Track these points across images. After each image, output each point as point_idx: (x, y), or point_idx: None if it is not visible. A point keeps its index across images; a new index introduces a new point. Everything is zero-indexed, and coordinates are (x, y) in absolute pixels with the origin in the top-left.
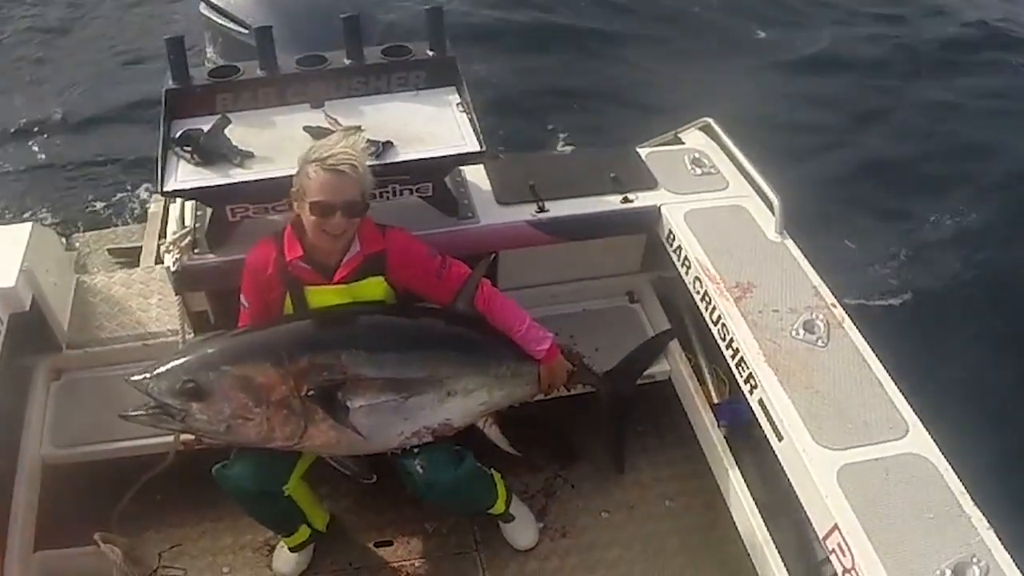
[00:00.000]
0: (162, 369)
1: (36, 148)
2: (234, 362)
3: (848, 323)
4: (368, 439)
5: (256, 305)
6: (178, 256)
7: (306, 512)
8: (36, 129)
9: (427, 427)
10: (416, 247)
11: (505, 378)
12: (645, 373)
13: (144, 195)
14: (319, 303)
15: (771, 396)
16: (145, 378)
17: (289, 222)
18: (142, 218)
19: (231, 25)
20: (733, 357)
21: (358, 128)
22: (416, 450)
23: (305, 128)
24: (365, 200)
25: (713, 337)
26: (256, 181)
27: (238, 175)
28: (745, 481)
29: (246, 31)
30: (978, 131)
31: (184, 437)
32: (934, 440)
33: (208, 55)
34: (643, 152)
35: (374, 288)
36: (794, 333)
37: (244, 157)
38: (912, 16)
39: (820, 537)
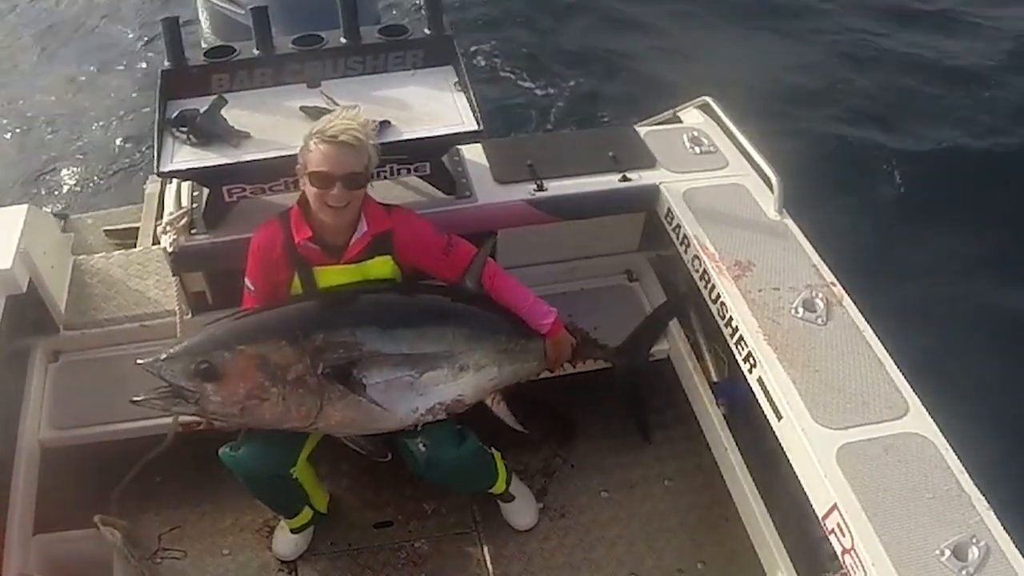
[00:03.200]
0: (174, 351)
1: (32, 130)
2: (249, 341)
3: (848, 302)
4: (384, 416)
5: (263, 287)
6: (175, 237)
7: (309, 493)
8: (31, 110)
9: (441, 403)
10: (423, 226)
11: (515, 353)
12: (652, 347)
13: (141, 176)
14: (328, 283)
15: (770, 375)
16: (157, 360)
17: (295, 203)
18: (139, 199)
19: (227, 5)
20: (732, 336)
21: (355, 107)
22: (418, 429)
23: (302, 108)
24: (367, 172)
25: (712, 316)
26: (253, 161)
27: (234, 155)
28: (744, 460)
29: (242, 11)
30: (986, 107)
31: (183, 418)
32: (933, 420)
33: (204, 35)
34: (642, 131)
35: (382, 267)
36: (793, 312)
37: (240, 137)
38: None
39: (819, 516)
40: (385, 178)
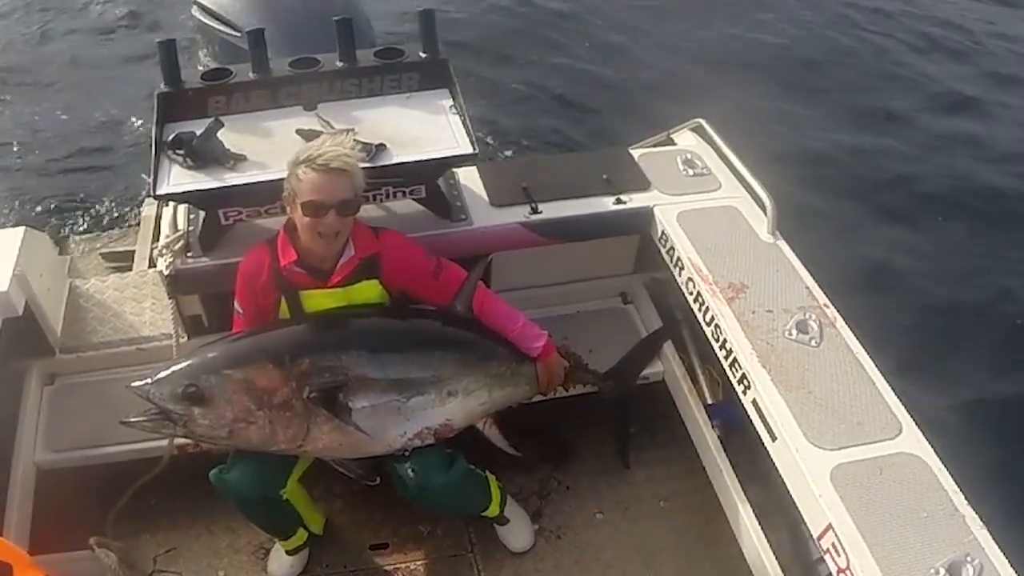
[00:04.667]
0: (163, 374)
1: (28, 152)
2: (235, 365)
3: (841, 323)
4: (371, 440)
5: (251, 311)
6: (171, 260)
7: (303, 515)
8: (28, 133)
9: (428, 428)
10: (412, 249)
11: (505, 378)
12: (640, 374)
13: (137, 199)
14: (315, 307)
15: (764, 396)
16: (146, 384)
17: (282, 227)
18: (135, 222)
19: (223, 28)
20: (726, 358)
21: (350, 130)
22: (407, 453)
23: (298, 131)
24: (358, 198)
25: (706, 338)
26: (249, 184)
27: (231, 178)
28: (739, 481)
29: (238, 34)
30: (979, 128)
31: (179, 441)
32: (927, 439)
33: (200, 58)
34: (635, 153)
35: (369, 291)
36: (787, 333)
37: (237, 160)
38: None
39: (814, 537)
40: (380, 201)
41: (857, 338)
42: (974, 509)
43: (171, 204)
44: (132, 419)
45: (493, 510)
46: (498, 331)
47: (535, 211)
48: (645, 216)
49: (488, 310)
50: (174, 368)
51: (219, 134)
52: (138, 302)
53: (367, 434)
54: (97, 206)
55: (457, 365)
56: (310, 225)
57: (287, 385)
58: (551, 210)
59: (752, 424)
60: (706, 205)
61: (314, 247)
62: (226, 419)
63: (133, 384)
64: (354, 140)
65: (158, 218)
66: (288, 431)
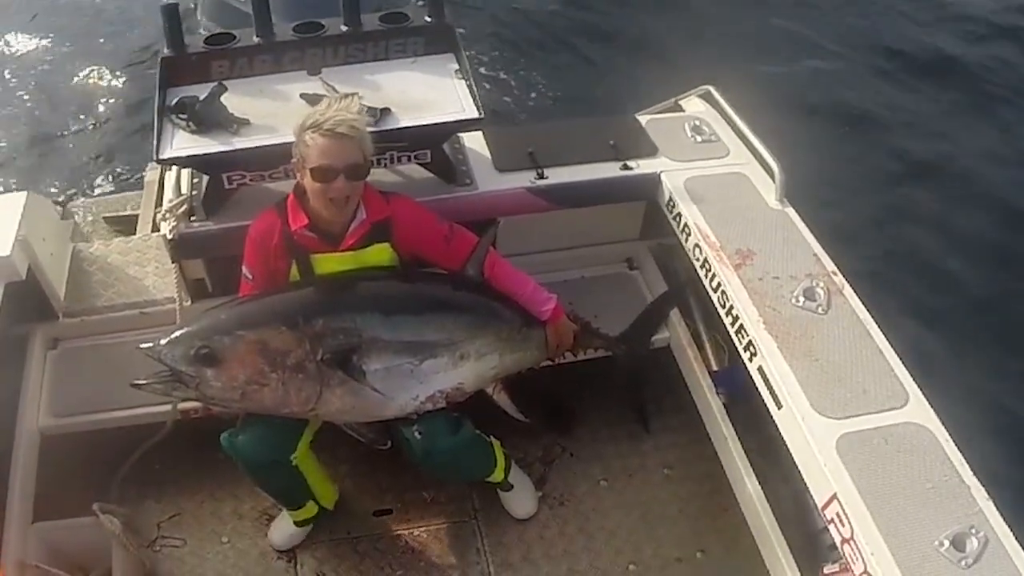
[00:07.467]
0: (175, 335)
1: (31, 116)
2: (249, 326)
3: (848, 291)
4: (383, 403)
5: (261, 276)
6: (175, 224)
7: (315, 487)
8: (31, 97)
9: (441, 391)
10: (424, 214)
11: (516, 342)
12: (653, 336)
13: (140, 163)
14: (326, 271)
15: (770, 364)
16: (158, 345)
17: (291, 191)
18: (138, 186)
19: None
20: (733, 324)
21: (355, 95)
22: (415, 417)
23: (302, 95)
24: (368, 162)
25: (713, 304)
26: (252, 148)
27: (234, 143)
28: (744, 449)
29: None
30: (985, 93)
31: (183, 405)
32: (934, 410)
33: (204, 22)
34: (643, 119)
35: (380, 254)
36: (794, 300)
37: (240, 125)
38: None
39: (819, 506)
40: (385, 166)
41: (865, 306)
42: (980, 481)
43: (174, 168)
44: (142, 381)
45: (498, 476)
46: (508, 295)
47: (541, 176)
48: (652, 182)
49: (499, 274)
50: (186, 329)
51: (222, 98)
52: (141, 266)
53: (381, 396)
54: (100, 170)
55: (469, 328)
56: (320, 191)
57: (301, 347)
58: (557, 175)
59: (757, 391)
60: (714, 172)
61: (325, 212)
62: (239, 381)
63: (143, 345)
64: (363, 106)
65: (161, 182)
66: (301, 394)
